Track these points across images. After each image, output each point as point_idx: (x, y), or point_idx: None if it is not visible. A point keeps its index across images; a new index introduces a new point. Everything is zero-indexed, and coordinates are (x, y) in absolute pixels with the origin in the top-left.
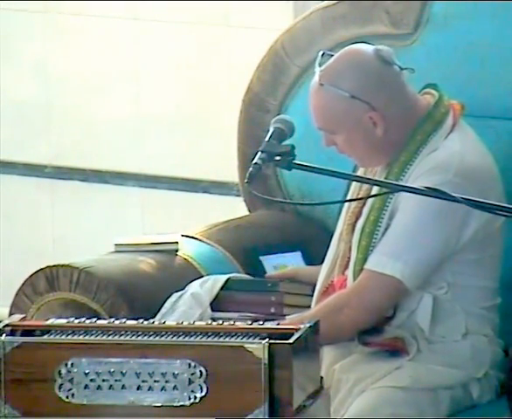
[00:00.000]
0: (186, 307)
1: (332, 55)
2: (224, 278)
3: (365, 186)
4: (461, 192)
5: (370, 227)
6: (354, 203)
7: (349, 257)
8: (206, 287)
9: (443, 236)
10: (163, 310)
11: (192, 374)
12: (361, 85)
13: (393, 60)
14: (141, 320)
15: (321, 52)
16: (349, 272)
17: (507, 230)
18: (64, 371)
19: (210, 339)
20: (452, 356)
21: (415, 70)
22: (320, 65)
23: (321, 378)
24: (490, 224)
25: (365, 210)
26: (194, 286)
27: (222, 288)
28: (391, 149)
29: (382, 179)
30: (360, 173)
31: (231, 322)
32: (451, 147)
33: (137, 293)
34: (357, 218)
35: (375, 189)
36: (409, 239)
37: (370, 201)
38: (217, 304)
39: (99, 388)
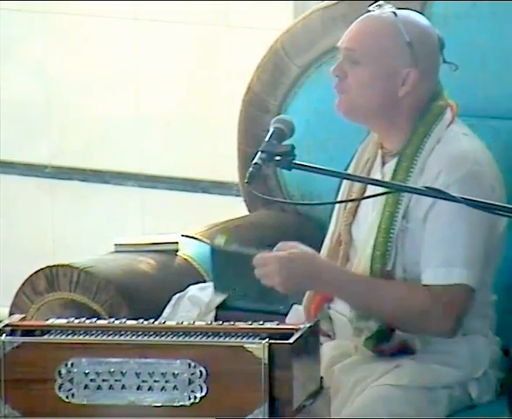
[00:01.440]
0: (185, 312)
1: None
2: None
3: (358, 184)
4: (484, 178)
5: (386, 223)
6: (348, 203)
7: (347, 257)
8: (206, 292)
9: (487, 230)
10: (164, 314)
11: (192, 374)
12: (420, 41)
13: (443, 48)
14: (141, 320)
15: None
16: (363, 269)
17: (507, 230)
18: (64, 371)
19: (210, 339)
20: (450, 355)
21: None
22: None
23: (321, 378)
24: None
25: (378, 206)
26: (192, 290)
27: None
28: (403, 129)
29: (390, 172)
30: (351, 171)
31: (231, 322)
32: (456, 138)
33: (137, 293)
34: (354, 217)
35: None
36: (462, 243)
37: (379, 197)
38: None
39: (99, 388)
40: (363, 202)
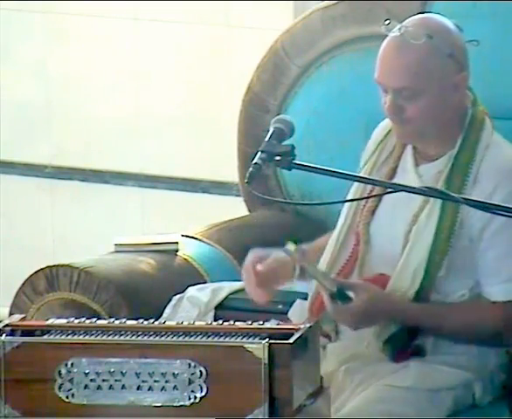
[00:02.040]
0: (184, 312)
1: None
2: (225, 289)
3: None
4: None
5: (447, 233)
6: (368, 202)
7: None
8: (205, 292)
9: None
10: (164, 315)
11: (192, 374)
12: (456, 45)
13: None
14: (141, 320)
15: (387, 21)
16: (412, 274)
17: None
18: (64, 371)
19: (210, 339)
20: (458, 357)
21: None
22: (396, 29)
23: (321, 378)
24: None
25: (430, 224)
26: (191, 291)
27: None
28: (444, 134)
29: (443, 177)
30: (365, 174)
31: (231, 322)
32: (503, 147)
33: (137, 293)
34: (373, 216)
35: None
36: None
37: (432, 203)
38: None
39: (99, 388)
40: (384, 201)
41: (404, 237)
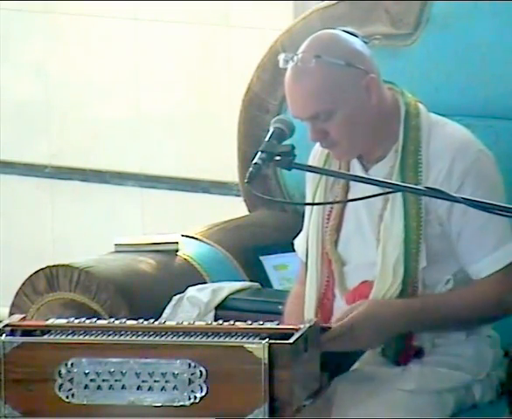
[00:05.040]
0: (184, 312)
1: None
2: (225, 289)
3: (339, 195)
4: (490, 154)
5: (415, 221)
6: (330, 221)
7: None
8: (205, 292)
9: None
10: (164, 315)
11: (192, 374)
12: (350, 52)
13: (360, 36)
14: (141, 320)
15: (282, 55)
16: (393, 271)
17: None
18: (64, 371)
19: (210, 339)
20: (457, 358)
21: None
22: (290, 60)
23: (322, 378)
24: None
25: (396, 218)
26: (191, 291)
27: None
28: (382, 133)
29: (396, 172)
30: (320, 199)
31: (231, 322)
32: (445, 123)
33: (137, 293)
34: (338, 234)
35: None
36: (497, 223)
37: (392, 199)
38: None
39: (99, 388)
40: (347, 218)
41: (375, 240)
